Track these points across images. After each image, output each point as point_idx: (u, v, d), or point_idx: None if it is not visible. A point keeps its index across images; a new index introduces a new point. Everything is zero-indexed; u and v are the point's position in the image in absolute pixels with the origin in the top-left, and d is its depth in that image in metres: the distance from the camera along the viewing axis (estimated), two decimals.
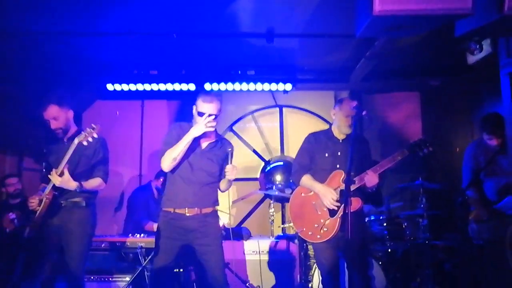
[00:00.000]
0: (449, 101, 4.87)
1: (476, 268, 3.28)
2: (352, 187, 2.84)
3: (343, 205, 2.90)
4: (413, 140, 2.95)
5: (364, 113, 2.69)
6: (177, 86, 4.76)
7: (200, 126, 2.71)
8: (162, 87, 4.77)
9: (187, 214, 2.80)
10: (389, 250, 3.74)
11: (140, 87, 4.77)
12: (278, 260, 3.80)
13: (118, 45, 4.10)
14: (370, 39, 3.78)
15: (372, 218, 3.92)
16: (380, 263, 3.58)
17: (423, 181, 3.83)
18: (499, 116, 3.32)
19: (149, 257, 3.61)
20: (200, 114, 2.76)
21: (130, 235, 3.87)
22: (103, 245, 3.78)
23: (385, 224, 3.82)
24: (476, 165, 3.46)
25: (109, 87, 4.75)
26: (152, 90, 4.79)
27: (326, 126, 5.14)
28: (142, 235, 3.86)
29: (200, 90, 4.75)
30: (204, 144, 2.91)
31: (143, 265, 3.63)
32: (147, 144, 5.30)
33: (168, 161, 2.77)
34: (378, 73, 4.59)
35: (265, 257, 3.80)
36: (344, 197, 2.48)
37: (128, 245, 3.74)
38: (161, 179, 4.46)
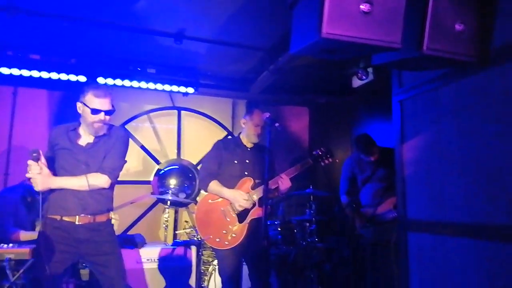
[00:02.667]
0: (333, 117, 5.46)
1: (356, 268, 3.73)
2: (259, 194, 2.96)
3: (251, 210, 3.00)
4: (316, 151, 3.23)
5: (277, 124, 2.83)
6: (63, 76, 4.22)
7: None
8: (45, 75, 4.17)
9: (78, 223, 2.48)
10: (282, 254, 3.97)
11: (15, 71, 4.08)
12: (175, 267, 3.67)
13: None
14: (274, 54, 4.02)
15: (268, 223, 4.12)
16: (274, 266, 3.78)
17: (313, 189, 4.19)
18: (368, 137, 3.91)
19: (20, 271, 3.09)
20: (95, 111, 2.46)
21: None
22: None
23: (279, 229, 4.05)
24: (353, 175, 3.98)
25: None
26: (31, 76, 4.15)
27: (223, 132, 5.31)
28: (10, 245, 3.28)
29: (91, 83, 4.34)
30: (87, 140, 2.59)
31: (12, 280, 3.08)
32: (18, 138, 4.54)
33: None
34: (275, 86, 4.88)
35: (162, 265, 3.62)
36: (264, 203, 2.57)
37: None
38: None
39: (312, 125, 5.74)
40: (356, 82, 4.37)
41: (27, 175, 2.34)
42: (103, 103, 2.48)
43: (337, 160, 4.97)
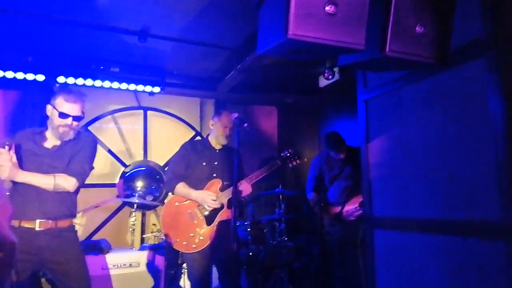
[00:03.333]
0: (300, 116, 5.51)
1: (323, 267, 3.78)
2: (227, 197, 2.94)
3: (220, 212, 2.97)
4: (284, 152, 3.24)
5: (245, 125, 2.81)
6: (20, 75, 4.02)
7: None
8: None
9: (38, 229, 2.36)
10: (251, 254, 3.96)
11: None
12: (143, 272, 3.57)
13: None
14: (241, 53, 3.99)
15: (237, 224, 4.09)
16: (244, 266, 3.76)
17: (282, 189, 4.21)
18: (337, 135, 3.97)
19: None
20: (63, 115, 2.41)
21: None
22: None
23: (249, 229, 4.04)
24: (320, 174, 4.03)
25: None
26: None
27: (191, 132, 5.22)
28: None
29: (50, 82, 4.16)
30: (54, 143, 2.53)
31: None
32: None
33: None
34: (243, 85, 4.85)
35: (130, 270, 3.52)
36: (233, 205, 2.54)
37: None
38: None
39: (280, 124, 5.76)
40: (323, 82, 4.43)
41: None
42: (72, 108, 2.44)
43: (305, 160, 5.07)
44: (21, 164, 2.38)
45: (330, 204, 3.90)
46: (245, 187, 3.02)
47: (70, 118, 2.44)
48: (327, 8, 1.57)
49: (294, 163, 3.27)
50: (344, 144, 3.95)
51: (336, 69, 4.06)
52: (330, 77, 4.07)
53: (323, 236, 3.81)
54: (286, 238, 4.11)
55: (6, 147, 2.25)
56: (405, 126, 2.40)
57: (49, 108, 2.47)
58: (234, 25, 3.48)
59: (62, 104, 2.42)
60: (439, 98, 2.19)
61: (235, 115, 2.90)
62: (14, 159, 2.29)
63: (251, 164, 4.99)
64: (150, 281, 3.57)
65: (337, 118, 4.89)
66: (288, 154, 3.27)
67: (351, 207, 3.70)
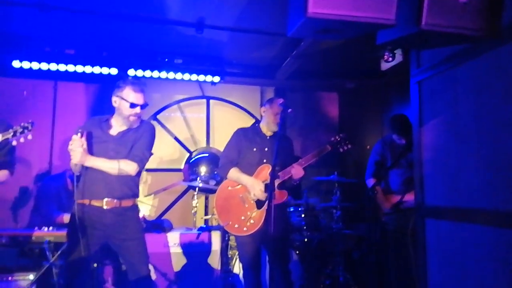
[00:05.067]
0: (362, 102, 5.29)
1: (380, 256, 3.64)
2: (278, 181, 2.96)
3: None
4: (334, 137, 3.17)
5: (289, 110, 2.80)
6: (97, 69, 4.45)
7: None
8: (80, 68, 4.41)
9: (105, 207, 2.62)
10: (306, 240, 3.95)
11: (53, 66, 4.35)
12: (200, 252, 3.79)
13: (30, 18, 3.70)
14: (297, 39, 3.95)
15: (291, 210, 4.12)
16: (297, 252, 3.78)
17: (338, 176, 4.11)
18: (405, 118, 3.71)
19: (58, 252, 3.34)
20: (133, 105, 2.64)
21: (36, 228, 3.54)
22: (3, 241, 3.39)
23: (303, 216, 4.04)
24: (382, 159, 3.82)
25: (15, 64, 4.27)
26: (67, 71, 4.40)
27: (251, 120, 5.33)
28: (50, 228, 3.55)
29: (122, 75, 4.53)
30: (118, 130, 2.75)
31: (51, 261, 3.34)
32: (59, 130, 4.86)
33: None
34: (302, 72, 4.81)
35: (189, 249, 3.76)
36: (269, 190, 2.57)
37: (34, 240, 3.39)
38: None
39: (342, 110, 5.60)
40: (385, 65, 4.19)
41: (69, 147, 2.50)
42: (139, 98, 2.66)
43: (368, 147, 4.88)
44: (90, 149, 2.64)
45: (390, 192, 3.71)
46: (297, 170, 3.01)
47: (139, 107, 2.67)
48: None
49: (345, 147, 3.17)
50: (410, 129, 3.69)
51: (397, 51, 3.81)
52: (390, 59, 3.83)
53: (381, 225, 3.65)
54: (342, 226, 4.02)
55: (79, 134, 2.52)
56: (459, 107, 2.19)
57: (115, 99, 2.70)
58: (285, 11, 3.45)
59: (131, 94, 2.64)
60: (498, 76, 1.96)
61: (280, 101, 2.90)
62: (85, 145, 2.54)
63: (311, 151, 4.96)
64: (207, 261, 3.77)
65: (401, 102, 4.59)
66: (338, 139, 3.18)
67: (411, 197, 3.48)
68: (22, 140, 2.52)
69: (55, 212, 4.00)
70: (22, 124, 2.54)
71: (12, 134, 2.50)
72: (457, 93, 2.21)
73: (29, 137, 2.54)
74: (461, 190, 2.17)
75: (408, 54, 3.66)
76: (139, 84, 2.72)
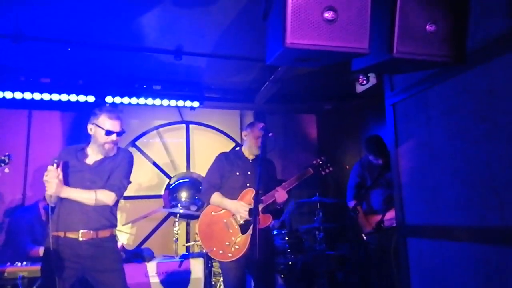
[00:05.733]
0: (340, 123, 5.42)
1: (364, 275, 3.66)
2: (261, 205, 2.97)
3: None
4: (315, 160, 3.22)
5: (270, 134, 2.85)
6: (73, 97, 4.41)
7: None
8: (55, 97, 4.37)
9: (81, 239, 2.54)
10: (290, 263, 3.94)
11: (28, 95, 4.29)
12: (183, 280, 3.71)
13: (4, 48, 3.66)
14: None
15: (275, 233, 4.11)
16: (282, 275, 3.76)
17: (319, 197, 4.15)
18: (379, 139, 3.82)
19: None
20: (108, 132, 2.59)
21: (8, 263, 3.39)
22: None
23: (286, 238, 4.03)
24: (362, 181, 3.90)
25: None
26: (42, 99, 4.35)
27: (231, 144, 5.36)
28: (24, 263, 3.41)
29: (100, 103, 4.50)
30: (94, 159, 2.70)
31: None
32: (33, 160, 4.74)
33: None
34: (281, 95, 4.91)
35: (170, 278, 3.67)
36: (253, 215, 2.57)
37: (6, 276, 3.25)
38: None
39: (320, 132, 5.71)
40: (359, 87, 4.34)
41: (45, 178, 2.43)
42: (115, 125, 2.62)
43: (347, 167, 4.97)
44: (66, 179, 2.57)
45: (372, 212, 3.77)
46: (280, 194, 3.02)
47: (115, 135, 2.62)
48: (325, 14, 1.57)
49: (327, 170, 3.23)
50: (385, 149, 3.78)
51: (371, 74, 3.96)
52: (365, 82, 3.98)
53: (362, 245, 3.69)
54: (326, 247, 4.04)
55: (55, 164, 2.45)
56: (433, 128, 2.29)
57: (91, 127, 2.65)
58: (262, 37, 3.53)
59: (106, 122, 2.60)
60: (465, 98, 2.07)
61: (261, 125, 2.94)
62: (61, 176, 2.48)
63: (292, 173, 5.01)
64: None
65: (377, 123, 4.73)
66: (320, 162, 3.24)
67: (392, 215, 3.54)
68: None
69: (29, 245, 3.85)
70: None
71: None
72: (429, 115, 2.31)
73: (6, 170, 2.48)
74: (439, 208, 2.23)
75: (382, 77, 3.83)
76: (115, 111, 2.69)
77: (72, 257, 2.53)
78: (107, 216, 2.66)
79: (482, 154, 1.96)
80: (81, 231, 2.55)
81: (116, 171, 2.69)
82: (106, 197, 2.60)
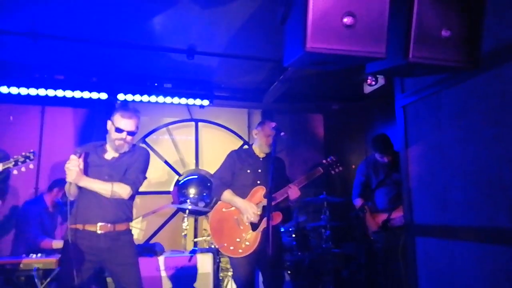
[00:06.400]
0: (347, 123, 5.47)
1: (370, 274, 3.72)
2: (274, 202, 3.03)
3: (264, 219, 3.06)
4: (325, 160, 3.28)
5: (282, 134, 2.91)
6: (86, 94, 4.49)
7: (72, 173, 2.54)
8: (69, 93, 4.45)
9: (99, 232, 2.63)
10: (297, 260, 4.00)
11: (42, 92, 4.38)
12: (192, 275, 3.78)
13: (21, 46, 3.74)
14: (283, 64, 4.10)
15: (282, 230, 4.17)
16: (289, 272, 3.83)
17: (326, 195, 4.22)
18: (386, 137, 3.88)
19: (47, 279, 3.29)
20: (119, 130, 2.68)
21: (23, 255, 3.47)
22: None
23: (293, 236, 4.10)
24: (367, 180, 3.96)
25: (3, 89, 4.27)
26: (56, 96, 4.43)
27: (239, 142, 5.43)
28: (39, 254, 3.49)
29: (112, 100, 4.58)
30: (112, 155, 2.80)
31: None
32: (46, 155, 4.82)
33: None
34: (289, 95, 4.97)
35: (181, 272, 3.75)
36: (266, 212, 2.63)
37: (22, 267, 3.32)
38: (59, 191, 4.11)
39: (327, 131, 5.77)
40: (367, 88, 4.39)
41: (66, 165, 2.52)
42: (127, 124, 2.70)
43: (353, 166, 5.03)
44: (85, 172, 2.67)
45: (377, 211, 3.83)
46: (293, 191, 3.07)
47: (125, 133, 2.70)
48: (345, 20, 1.63)
49: (337, 170, 3.29)
50: (391, 148, 3.85)
51: (379, 75, 4.01)
52: (374, 83, 4.04)
53: (368, 244, 3.75)
54: (332, 245, 4.10)
55: (77, 154, 2.56)
56: (443, 131, 2.34)
57: (109, 123, 2.76)
58: (274, 37, 3.60)
59: (119, 120, 2.69)
60: (477, 101, 2.13)
61: (273, 124, 3.00)
62: (81, 165, 2.58)
63: (298, 171, 5.08)
64: (200, 284, 3.76)
65: (384, 123, 4.79)
66: (330, 162, 3.29)
67: (399, 214, 3.60)
68: (23, 169, 2.53)
69: (40, 236, 3.94)
70: (23, 153, 2.56)
71: (13, 163, 2.52)
72: (440, 118, 2.36)
73: (31, 166, 2.55)
74: (448, 208, 2.29)
75: (392, 79, 3.88)
76: (130, 111, 2.77)
77: (90, 250, 2.61)
78: (123, 210, 2.75)
79: (492, 157, 2.02)
80: (99, 224, 2.63)
81: (132, 166, 2.78)
82: (122, 189, 2.68)
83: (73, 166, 2.52)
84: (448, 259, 2.29)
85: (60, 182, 4.10)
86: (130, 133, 2.73)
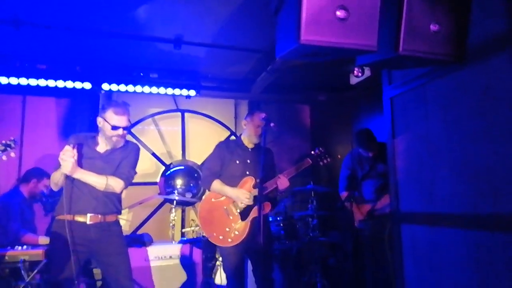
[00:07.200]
0: (333, 114, 5.54)
1: (357, 262, 3.82)
2: (264, 192, 3.06)
3: (254, 208, 3.10)
4: (314, 151, 3.32)
5: (272, 125, 2.93)
6: (69, 84, 4.39)
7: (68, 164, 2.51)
8: (51, 83, 4.34)
9: (89, 222, 2.63)
10: (285, 249, 4.07)
11: (23, 81, 4.26)
12: (182, 264, 3.80)
13: (1, 34, 3.62)
14: (271, 54, 4.11)
15: (270, 219, 4.23)
16: (277, 260, 3.89)
17: (313, 185, 4.28)
18: (369, 132, 3.96)
19: (34, 271, 3.25)
20: (115, 128, 2.68)
21: (9, 247, 3.41)
22: None
23: (281, 225, 4.16)
24: (352, 173, 4.04)
25: None
26: (38, 85, 4.33)
27: (226, 132, 5.42)
28: (25, 246, 3.44)
29: (96, 90, 4.51)
30: (105, 148, 2.79)
31: (27, 281, 3.25)
32: (28, 145, 4.71)
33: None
34: (276, 85, 4.98)
35: (169, 262, 3.77)
36: (258, 201, 2.66)
37: (7, 260, 3.27)
38: (37, 182, 4.03)
39: (313, 122, 5.82)
40: (354, 79, 4.44)
41: (61, 157, 2.49)
42: (121, 120, 2.70)
43: (339, 156, 5.10)
44: (78, 165, 2.63)
45: (364, 201, 3.92)
46: (283, 181, 3.11)
47: (121, 129, 2.71)
48: (338, 13, 1.65)
49: (325, 161, 3.33)
50: (375, 142, 3.93)
51: (367, 67, 4.05)
52: (360, 74, 4.08)
53: (355, 233, 3.84)
54: (319, 234, 4.18)
55: (71, 145, 2.53)
56: (430, 122, 2.41)
57: (100, 120, 2.73)
58: (262, 28, 3.60)
59: (113, 117, 2.68)
60: (462, 94, 2.19)
61: (262, 115, 3.02)
62: (76, 157, 2.55)
63: (284, 162, 5.12)
64: (188, 273, 3.79)
65: (370, 114, 4.87)
66: (318, 153, 3.34)
67: (383, 203, 3.70)
68: (4, 158, 2.48)
69: (21, 230, 3.86)
70: (3, 141, 2.50)
71: None
72: (427, 109, 2.43)
73: (12, 154, 2.52)
74: (434, 196, 2.37)
75: (377, 70, 3.93)
76: (122, 106, 2.76)
77: (80, 240, 2.60)
78: (114, 202, 2.77)
79: (478, 148, 2.09)
80: (89, 214, 2.64)
81: (125, 161, 2.80)
82: (116, 184, 2.70)
83: (68, 157, 2.49)
84: (434, 245, 2.38)
85: (36, 172, 4.03)
86: (125, 128, 2.75)
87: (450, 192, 2.26)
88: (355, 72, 4.12)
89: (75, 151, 2.53)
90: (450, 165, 2.27)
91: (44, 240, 3.76)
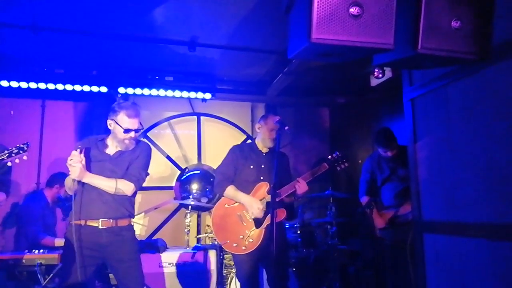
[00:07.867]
0: (353, 117, 5.37)
1: (377, 271, 3.66)
2: (278, 198, 2.96)
3: (268, 215, 2.99)
4: (331, 155, 3.19)
5: (286, 128, 2.83)
6: (86, 88, 4.44)
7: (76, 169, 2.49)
8: (69, 87, 4.41)
9: (101, 227, 2.60)
10: (302, 257, 3.95)
11: (42, 85, 4.34)
12: (196, 271, 3.74)
13: (21, 39, 3.68)
14: (287, 57, 4.01)
15: (287, 226, 4.11)
16: (294, 269, 3.77)
17: (332, 191, 4.14)
18: (389, 131, 3.78)
19: (50, 275, 3.27)
20: (127, 130, 2.64)
21: (26, 251, 3.45)
22: None
23: (298, 232, 4.04)
24: (372, 176, 3.88)
25: (3, 83, 4.24)
26: (56, 89, 4.39)
27: (242, 136, 5.35)
28: (41, 250, 3.47)
29: (112, 93, 4.53)
30: (114, 150, 2.75)
31: (43, 284, 3.26)
32: (47, 149, 4.78)
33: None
34: (293, 88, 4.88)
35: (183, 269, 3.71)
36: (271, 208, 2.57)
37: (24, 263, 3.31)
38: (60, 188, 4.07)
39: (333, 126, 5.67)
40: (374, 81, 4.30)
41: (68, 162, 2.48)
42: (133, 123, 2.66)
43: (359, 161, 4.94)
44: (87, 168, 2.62)
45: (384, 207, 3.75)
46: (301, 185, 2.99)
47: (133, 132, 2.68)
48: (351, 10, 1.55)
49: (343, 166, 3.19)
50: (394, 142, 3.75)
51: (386, 68, 3.91)
52: (381, 75, 3.93)
53: (376, 241, 3.68)
54: (338, 242, 4.04)
55: (78, 150, 2.51)
56: (452, 124, 2.26)
57: (110, 122, 2.69)
58: (278, 29, 3.51)
59: (125, 120, 2.64)
60: (487, 95, 2.04)
61: (277, 118, 2.92)
62: (84, 161, 2.54)
63: (304, 166, 5.00)
64: (203, 280, 3.72)
65: (390, 117, 4.69)
66: (336, 157, 3.21)
67: (406, 210, 3.52)
68: (17, 161, 2.50)
69: (41, 233, 3.91)
70: (17, 145, 2.52)
71: (7, 155, 2.49)
72: (449, 110, 2.28)
73: (25, 157, 2.52)
74: (458, 204, 2.22)
75: (399, 71, 3.77)
76: (134, 108, 2.71)
77: (92, 245, 2.58)
78: (125, 206, 2.71)
79: (504, 151, 1.94)
80: (101, 219, 2.60)
81: (135, 162, 2.75)
82: (126, 186, 2.65)
83: (76, 163, 2.47)
84: (458, 256, 2.22)
85: (60, 177, 4.06)
86: (137, 131, 2.72)
87: (475, 198, 2.10)
88: (375, 73, 3.97)
89: (82, 155, 2.51)
90: (474, 170, 2.11)
91: (59, 242, 3.79)
